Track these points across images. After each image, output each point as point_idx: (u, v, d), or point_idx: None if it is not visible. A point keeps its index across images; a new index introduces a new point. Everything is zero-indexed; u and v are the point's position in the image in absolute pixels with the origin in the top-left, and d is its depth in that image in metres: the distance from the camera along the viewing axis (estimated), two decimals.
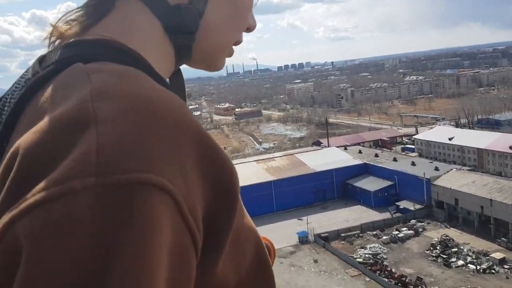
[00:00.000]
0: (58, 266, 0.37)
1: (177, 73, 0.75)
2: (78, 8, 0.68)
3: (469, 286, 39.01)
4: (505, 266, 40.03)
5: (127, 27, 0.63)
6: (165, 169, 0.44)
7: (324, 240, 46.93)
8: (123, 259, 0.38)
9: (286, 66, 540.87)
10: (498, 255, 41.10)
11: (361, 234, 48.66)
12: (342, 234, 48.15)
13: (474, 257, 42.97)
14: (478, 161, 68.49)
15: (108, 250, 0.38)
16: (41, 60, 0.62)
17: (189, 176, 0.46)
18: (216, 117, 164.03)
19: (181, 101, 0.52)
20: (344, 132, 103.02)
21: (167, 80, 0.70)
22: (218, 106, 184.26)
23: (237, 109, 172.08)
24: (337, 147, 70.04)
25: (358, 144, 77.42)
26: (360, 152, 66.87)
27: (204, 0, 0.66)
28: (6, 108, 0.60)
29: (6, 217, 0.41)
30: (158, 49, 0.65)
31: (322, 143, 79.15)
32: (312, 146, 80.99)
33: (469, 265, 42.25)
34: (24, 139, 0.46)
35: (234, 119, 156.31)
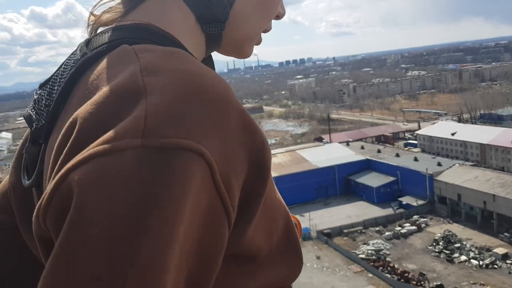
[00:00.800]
0: (102, 213, 0.43)
1: (208, 59, 0.79)
2: None
3: (471, 282, 38.96)
4: (508, 261, 40.00)
5: (163, 15, 0.68)
6: (204, 137, 0.49)
7: (327, 236, 46.89)
8: (161, 210, 0.44)
9: (288, 62, 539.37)
10: (500, 250, 41.09)
11: (363, 230, 48.65)
12: (345, 231, 48.16)
13: (476, 252, 42.91)
14: (481, 156, 68.29)
15: (146, 201, 0.44)
16: (87, 43, 0.67)
17: (228, 147, 0.52)
18: None
19: (222, 79, 0.57)
20: (346, 128, 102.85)
21: None
22: None
23: None
24: (339, 143, 69.95)
25: (360, 140, 77.36)
26: (362, 148, 66.84)
27: None
28: (56, 87, 0.66)
29: (63, 169, 0.48)
30: (191, 36, 0.70)
31: (324, 139, 79.08)
32: (314, 142, 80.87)
33: (471, 260, 42.20)
34: (82, 110, 0.52)
35: None
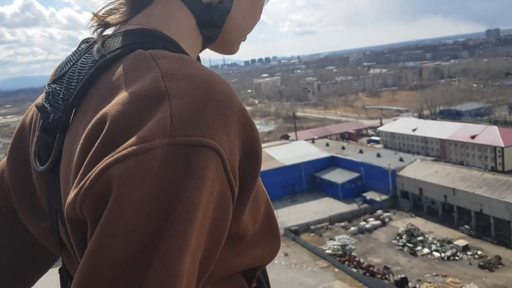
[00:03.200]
0: (139, 201, 0.54)
1: (197, 57, 0.89)
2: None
3: (434, 273, 40.11)
4: (468, 253, 41.27)
5: (167, 20, 0.76)
6: (216, 135, 0.59)
7: (294, 233, 47.18)
8: (185, 196, 0.55)
9: (253, 61, 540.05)
10: (461, 242, 42.37)
11: (330, 226, 49.25)
12: (312, 227, 48.61)
13: (438, 245, 44.20)
14: (441, 151, 70.49)
15: (174, 189, 0.55)
16: (103, 44, 0.73)
17: (232, 141, 0.61)
18: None
19: (226, 81, 0.66)
20: (312, 125, 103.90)
21: None
22: None
23: None
24: (305, 140, 70.56)
25: (325, 137, 78.22)
26: (327, 145, 67.60)
27: (231, 0, 0.80)
28: (73, 83, 0.72)
29: (103, 164, 0.56)
30: (191, 40, 0.79)
31: (290, 137, 79.54)
32: (280, 140, 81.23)
33: (434, 253, 43.44)
34: (110, 109, 0.60)
35: None
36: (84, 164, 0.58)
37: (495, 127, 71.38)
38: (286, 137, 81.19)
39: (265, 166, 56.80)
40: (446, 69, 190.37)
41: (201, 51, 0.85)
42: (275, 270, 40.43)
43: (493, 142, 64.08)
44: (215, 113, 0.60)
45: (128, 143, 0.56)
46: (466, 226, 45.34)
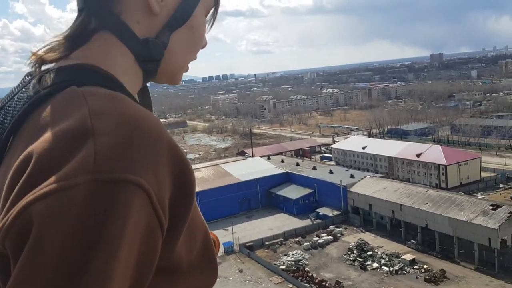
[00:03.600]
0: (58, 238, 0.55)
1: (144, 89, 0.93)
2: (57, 37, 0.82)
3: (383, 287, 41.54)
4: (415, 267, 42.89)
5: (105, 56, 0.78)
6: (142, 171, 0.61)
7: (249, 249, 47.37)
8: (107, 232, 0.56)
9: (211, 77, 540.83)
10: (408, 257, 44.01)
11: (284, 242, 49.81)
12: (267, 243, 48.95)
13: (387, 259, 45.79)
14: (389, 168, 73.41)
15: (96, 225, 0.56)
16: (39, 80, 0.75)
17: (160, 176, 0.64)
18: None
19: (155, 118, 0.69)
20: (267, 142, 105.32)
21: (136, 96, 0.87)
22: None
23: (161, 120, 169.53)
24: (261, 156, 71.31)
25: (281, 153, 79.48)
26: (282, 161, 68.63)
27: (168, 34, 0.83)
28: (8, 118, 0.75)
29: (24, 201, 0.57)
30: (129, 74, 0.81)
31: (246, 153, 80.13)
32: (237, 156, 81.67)
33: (383, 267, 44.96)
34: (37, 146, 0.62)
35: None
36: (9, 200, 0.60)
37: (439, 146, 75.42)
38: (242, 154, 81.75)
39: (222, 182, 57.00)
40: (394, 90, 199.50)
41: (144, 83, 0.88)
42: (229, 287, 40.46)
43: (437, 160, 67.63)
44: (142, 149, 0.62)
45: (49, 180, 0.57)
46: (413, 241, 47.21)
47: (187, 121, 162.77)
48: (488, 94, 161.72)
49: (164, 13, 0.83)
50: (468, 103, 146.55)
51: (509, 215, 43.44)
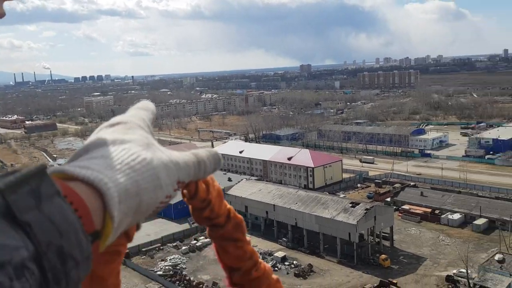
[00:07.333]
0: None
1: None
2: None
3: None
4: (286, 263, 45.74)
5: None
6: None
7: (125, 257, 46.04)
8: None
9: (84, 78, 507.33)
10: (280, 254, 46.80)
11: (162, 247, 49.35)
12: (143, 249, 47.98)
13: (261, 258, 48.19)
14: (264, 171, 77.29)
15: None
16: None
17: None
18: (1, 131, 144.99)
19: None
20: None
21: None
22: (4, 118, 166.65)
23: (27, 122, 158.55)
24: None
25: None
26: None
27: None
28: None
29: None
30: None
31: None
32: None
33: None
34: None
35: (23, 132, 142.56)
36: None
37: (307, 150, 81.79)
38: None
39: None
40: (268, 97, 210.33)
41: None
42: None
43: (306, 163, 73.26)
44: None
45: None
46: (284, 239, 50.43)
47: (57, 124, 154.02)
48: (348, 103, 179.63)
49: None
50: (332, 110, 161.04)
51: (365, 211, 49.00)
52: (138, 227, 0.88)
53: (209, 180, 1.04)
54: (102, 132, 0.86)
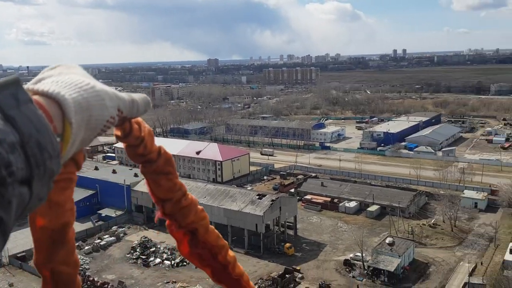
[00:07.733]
0: None
1: None
2: None
3: (165, 281, 43.34)
4: None
5: None
6: None
7: (21, 260, 43.03)
8: None
9: None
10: None
11: None
12: None
13: (169, 253, 47.93)
14: None
15: None
16: None
17: None
18: None
19: None
20: None
21: None
22: None
23: None
24: None
25: None
26: None
27: None
28: None
29: None
30: None
31: None
32: None
33: (165, 261, 46.87)
34: None
35: None
36: None
37: (215, 144, 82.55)
38: None
39: None
40: (176, 91, 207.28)
41: None
42: None
43: (214, 157, 73.93)
44: None
45: None
46: None
47: None
48: (255, 98, 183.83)
49: None
50: (239, 105, 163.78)
51: (271, 202, 51.04)
52: (84, 157, 1.01)
53: (140, 120, 1.19)
54: (47, 72, 0.99)
